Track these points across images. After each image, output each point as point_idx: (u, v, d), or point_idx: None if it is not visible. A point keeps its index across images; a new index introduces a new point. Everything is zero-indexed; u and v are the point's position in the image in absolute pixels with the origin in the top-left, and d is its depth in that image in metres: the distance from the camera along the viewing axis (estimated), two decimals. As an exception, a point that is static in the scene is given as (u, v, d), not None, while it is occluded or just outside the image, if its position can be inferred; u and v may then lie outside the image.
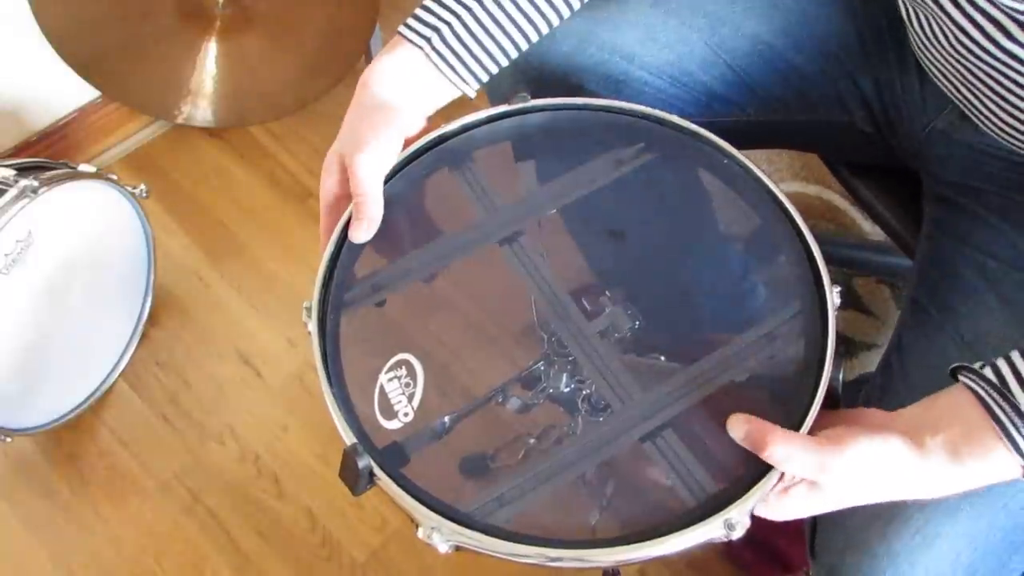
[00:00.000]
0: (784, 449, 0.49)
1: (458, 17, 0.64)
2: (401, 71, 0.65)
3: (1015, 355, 0.50)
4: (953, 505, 0.59)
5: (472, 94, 0.67)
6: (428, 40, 0.64)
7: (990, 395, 0.49)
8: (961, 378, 0.51)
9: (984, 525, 0.59)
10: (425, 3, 0.65)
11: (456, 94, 0.67)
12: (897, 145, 0.79)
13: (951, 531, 0.58)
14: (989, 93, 0.64)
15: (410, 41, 0.64)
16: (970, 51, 0.61)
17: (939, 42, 0.64)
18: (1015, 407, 0.48)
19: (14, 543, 1.13)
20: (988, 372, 0.50)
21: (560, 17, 0.67)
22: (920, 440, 0.49)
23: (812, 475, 0.50)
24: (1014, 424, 0.48)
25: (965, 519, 0.59)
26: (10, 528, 1.14)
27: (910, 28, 0.69)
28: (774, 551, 1.02)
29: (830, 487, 0.51)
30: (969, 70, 0.63)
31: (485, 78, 0.66)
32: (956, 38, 0.61)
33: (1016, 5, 0.53)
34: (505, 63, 0.67)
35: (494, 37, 0.65)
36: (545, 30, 0.67)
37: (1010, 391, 0.48)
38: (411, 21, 0.65)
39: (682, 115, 0.65)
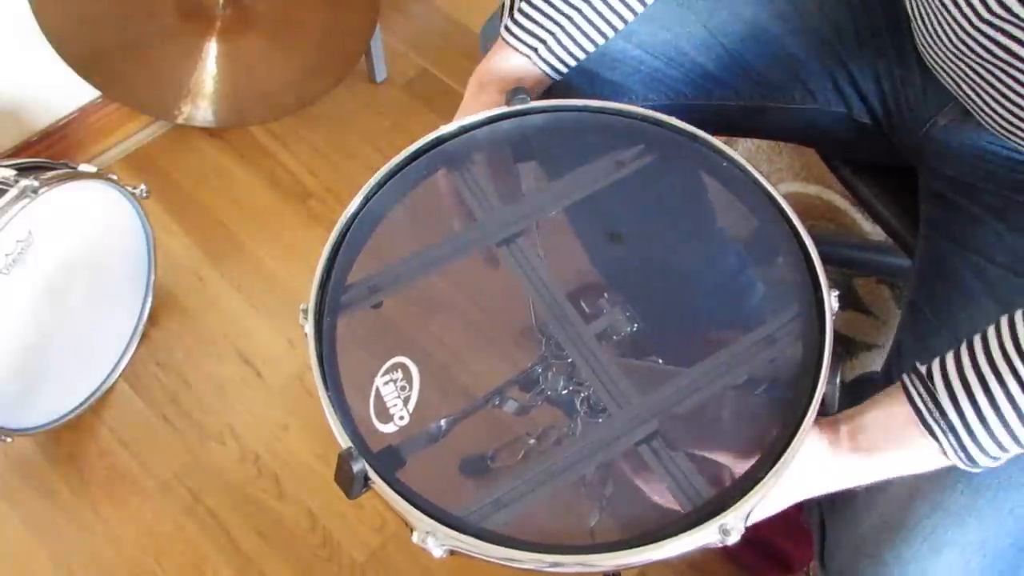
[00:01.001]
0: None
1: (561, 27, 0.69)
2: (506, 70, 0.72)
3: (949, 354, 0.54)
4: (961, 512, 0.59)
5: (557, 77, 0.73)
6: (535, 50, 0.70)
7: (916, 387, 0.54)
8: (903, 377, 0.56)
9: (992, 531, 0.59)
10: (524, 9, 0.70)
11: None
12: (897, 141, 0.79)
13: (960, 538, 0.58)
14: (992, 91, 0.64)
15: (517, 51, 0.70)
16: (973, 48, 0.60)
17: (942, 39, 0.64)
18: (933, 397, 0.52)
19: (14, 543, 1.13)
20: (920, 367, 0.55)
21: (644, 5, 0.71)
22: (841, 437, 0.55)
23: None
24: (929, 412, 0.52)
25: (974, 526, 0.58)
26: (10, 528, 1.14)
27: (914, 23, 0.69)
28: (774, 551, 1.02)
29: None
30: (972, 67, 0.63)
31: (573, 63, 0.73)
32: (959, 35, 0.61)
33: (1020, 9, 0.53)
34: (592, 49, 0.72)
35: (590, 37, 0.70)
36: (630, 17, 0.71)
37: (934, 384, 0.53)
38: (515, 29, 0.70)
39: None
